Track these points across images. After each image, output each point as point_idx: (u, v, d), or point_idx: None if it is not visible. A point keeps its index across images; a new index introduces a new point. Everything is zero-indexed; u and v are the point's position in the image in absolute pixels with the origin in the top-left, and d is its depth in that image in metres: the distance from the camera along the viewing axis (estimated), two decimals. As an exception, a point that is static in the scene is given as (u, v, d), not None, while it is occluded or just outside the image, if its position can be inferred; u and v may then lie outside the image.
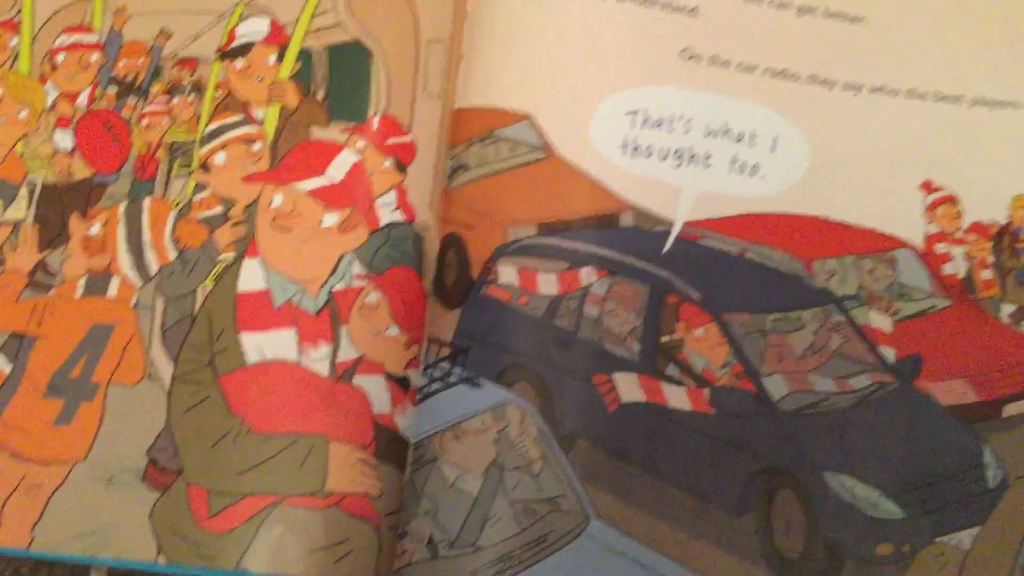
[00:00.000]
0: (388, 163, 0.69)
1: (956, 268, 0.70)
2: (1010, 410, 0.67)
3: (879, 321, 0.68)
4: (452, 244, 0.69)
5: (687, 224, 0.69)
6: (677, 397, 0.65)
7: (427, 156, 0.71)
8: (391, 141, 0.70)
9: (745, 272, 0.68)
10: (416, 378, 0.66)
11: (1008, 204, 0.71)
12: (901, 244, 0.70)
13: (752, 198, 0.70)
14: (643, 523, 0.63)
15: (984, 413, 0.66)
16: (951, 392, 0.66)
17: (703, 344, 0.66)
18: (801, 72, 0.73)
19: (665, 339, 0.66)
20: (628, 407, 0.65)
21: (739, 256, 0.68)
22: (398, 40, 0.73)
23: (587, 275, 0.68)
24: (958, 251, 0.70)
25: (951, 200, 0.71)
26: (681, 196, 0.70)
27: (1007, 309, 0.70)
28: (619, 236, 0.69)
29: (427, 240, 0.69)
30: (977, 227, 0.71)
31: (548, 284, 0.68)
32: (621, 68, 0.72)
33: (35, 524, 0.62)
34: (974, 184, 0.71)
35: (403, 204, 0.69)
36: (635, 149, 0.70)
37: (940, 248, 0.70)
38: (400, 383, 0.65)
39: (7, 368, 0.65)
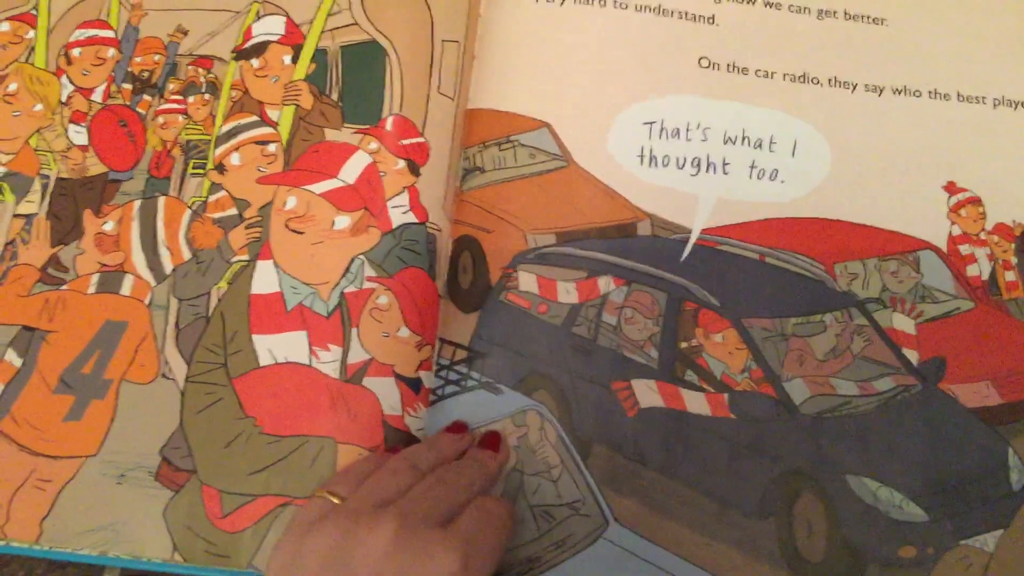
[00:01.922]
0: (401, 164, 0.69)
1: (980, 269, 0.70)
2: (1035, 410, 0.67)
3: (902, 323, 0.67)
4: (467, 247, 0.68)
5: (706, 231, 0.68)
6: (696, 402, 0.64)
7: (440, 157, 0.70)
8: (404, 142, 0.70)
9: (765, 277, 0.68)
10: (429, 379, 0.65)
11: (1033, 204, 0.72)
12: (925, 245, 0.70)
13: (772, 203, 0.70)
14: (663, 527, 0.62)
15: (1009, 415, 0.65)
16: (975, 394, 0.65)
17: (722, 349, 0.66)
18: (821, 75, 0.73)
19: (684, 345, 0.66)
20: (647, 412, 0.64)
21: (759, 261, 0.68)
22: (413, 40, 0.73)
23: (605, 284, 0.67)
24: (982, 252, 0.70)
25: (975, 201, 0.70)
26: (698, 204, 0.69)
27: (1034, 309, 0.70)
28: (637, 245, 0.68)
29: (440, 241, 0.68)
30: (1001, 228, 0.70)
31: (567, 293, 0.67)
32: (639, 78, 0.72)
33: (44, 518, 0.61)
34: (998, 185, 0.71)
35: (415, 205, 0.68)
36: (652, 159, 0.70)
37: (964, 249, 0.70)
38: (411, 384, 0.65)
39: (17, 362, 0.64)
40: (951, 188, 0.71)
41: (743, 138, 0.71)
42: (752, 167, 0.70)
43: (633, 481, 0.62)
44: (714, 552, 0.61)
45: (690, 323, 0.66)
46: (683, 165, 0.70)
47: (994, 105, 0.73)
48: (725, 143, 0.71)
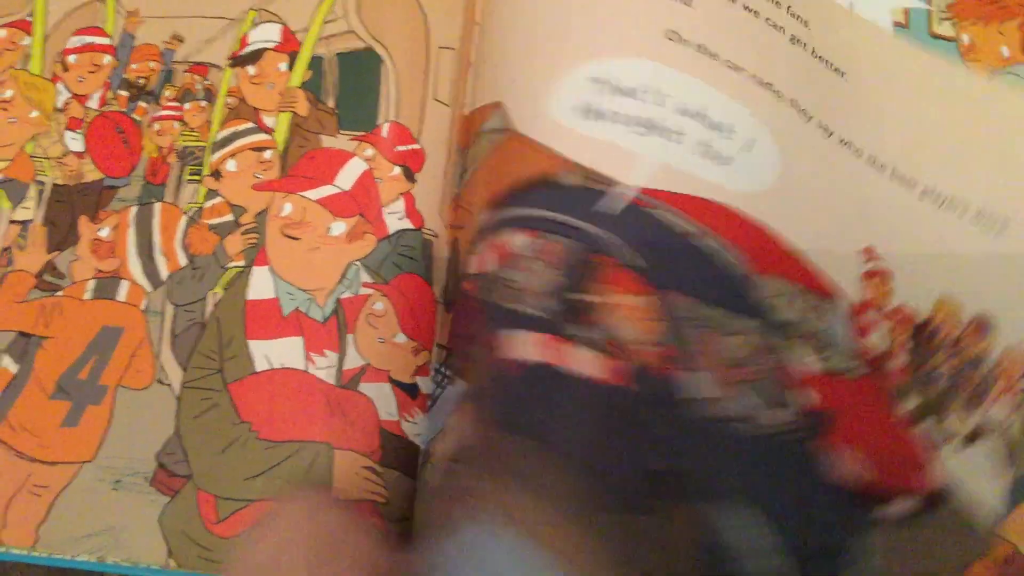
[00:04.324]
0: (397, 171, 0.70)
1: (878, 342, 0.70)
2: (896, 505, 0.66)
3: (811, 361, 0.67)
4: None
5: (644, 191, 0.65)
6: (591, 365, 0.62)
7: (436, 163, 0.72)
8: (400, 148, 0.71)
9: (695, 257, 0.66)
10: (426, 385, 0.68)
11: (933, 301, 0.72)
12: (843, 295, 0.70)
13: (720, 187, 0.67)
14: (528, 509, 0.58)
15: (877, 495, 0.65)
16: (852, 461, 0.65)
17: (635, 315, 0.63)
18: (785, 93, 0.72)
19: (594, 301, 0.63)
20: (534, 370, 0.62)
21: (694, 237, 0.65)
22: (409, 47, 0.73)
23: (519, 241, 0.65)
24: (884, 326, 0.71)
25: (886, 274, 0.71)
26: (639, 160, 0.66)
27: (911, 402, 0.70)
28: (558, 195, 0.65)
29: (436, 247, 0.71)
30: (902, 311, 0.71)
31: (487, 261, 0.67)
32: (589, 37, 0.69)
33: (40, 524, 0.64)
34: (909, 269, 0.71)
35: (411, 212, 0.70)
36: (598, 114, 0.67)
37: (870, 315, 0.71)
38: (407, 390, 0.68)
39: (13, 368, 0.65)
40: (868, 253, 0.71)
41: (702, 116, 0.68)
42: (708, 146, 0.68)
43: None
44: (578, 545, 0.58)
45: (604, 282, 0.63)
46: (630, 123, 0.67)
47: (920, 195, 0.74)
48: (682, 115, 0.68)
